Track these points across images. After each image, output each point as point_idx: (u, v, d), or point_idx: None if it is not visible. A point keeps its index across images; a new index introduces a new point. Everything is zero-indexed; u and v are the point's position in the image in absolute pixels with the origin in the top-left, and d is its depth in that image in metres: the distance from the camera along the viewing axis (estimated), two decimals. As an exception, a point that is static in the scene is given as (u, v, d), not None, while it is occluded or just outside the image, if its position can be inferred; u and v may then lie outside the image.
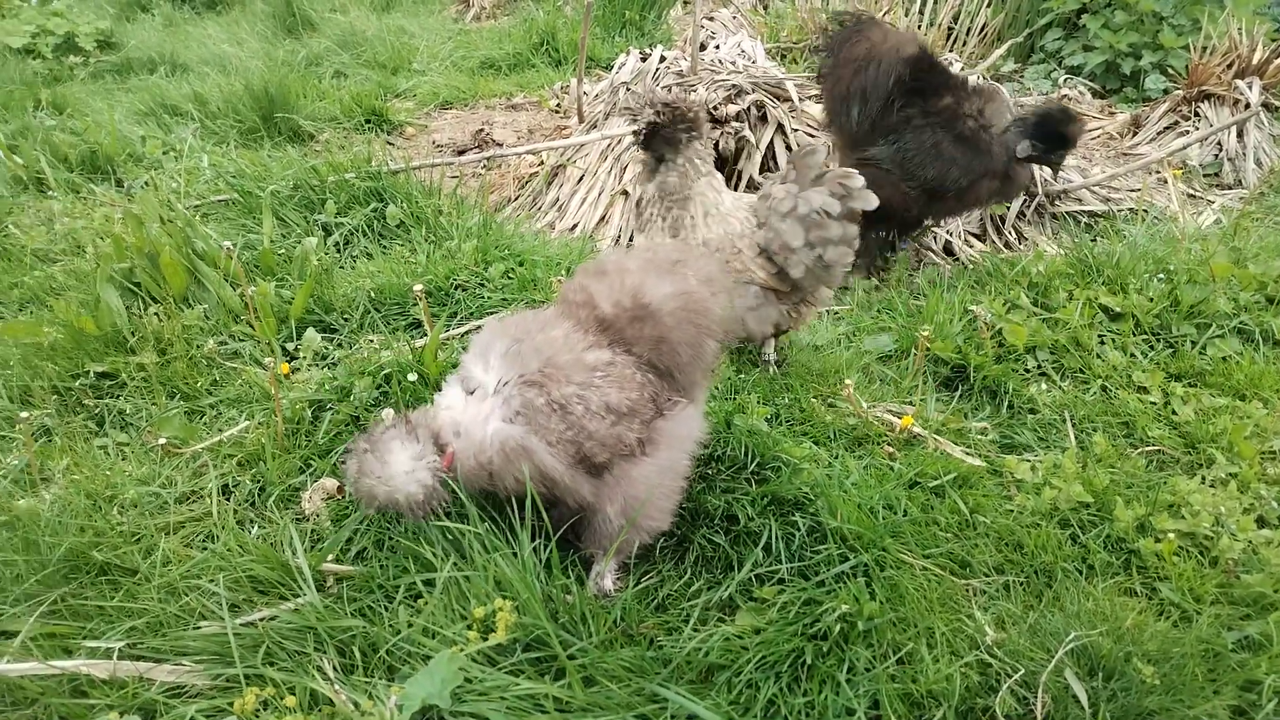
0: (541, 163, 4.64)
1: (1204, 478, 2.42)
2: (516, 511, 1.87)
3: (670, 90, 2.99)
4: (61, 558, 1.94)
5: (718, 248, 2.69)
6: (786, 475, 2.24)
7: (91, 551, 1.96)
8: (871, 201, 2.58)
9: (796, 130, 4.32)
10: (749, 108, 4.33)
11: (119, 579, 1.94)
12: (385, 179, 3.75)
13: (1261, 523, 2.28)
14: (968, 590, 2.07)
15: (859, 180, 2.58)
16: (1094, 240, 3.83)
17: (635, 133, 2.73)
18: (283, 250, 3.41)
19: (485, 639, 1.73)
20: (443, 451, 1.86)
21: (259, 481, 2.31)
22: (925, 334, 2.78)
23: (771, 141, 4.32)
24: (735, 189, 4.25)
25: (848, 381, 2.64)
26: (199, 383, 2.67)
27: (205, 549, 2.05)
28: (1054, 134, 3.47)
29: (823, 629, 1.82)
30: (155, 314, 2.90)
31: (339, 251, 3.55)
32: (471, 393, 1.91)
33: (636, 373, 1.97)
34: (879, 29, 3.55)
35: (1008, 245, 4.15)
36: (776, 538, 2.07)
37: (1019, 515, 2.27)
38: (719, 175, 2.81)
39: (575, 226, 4.15)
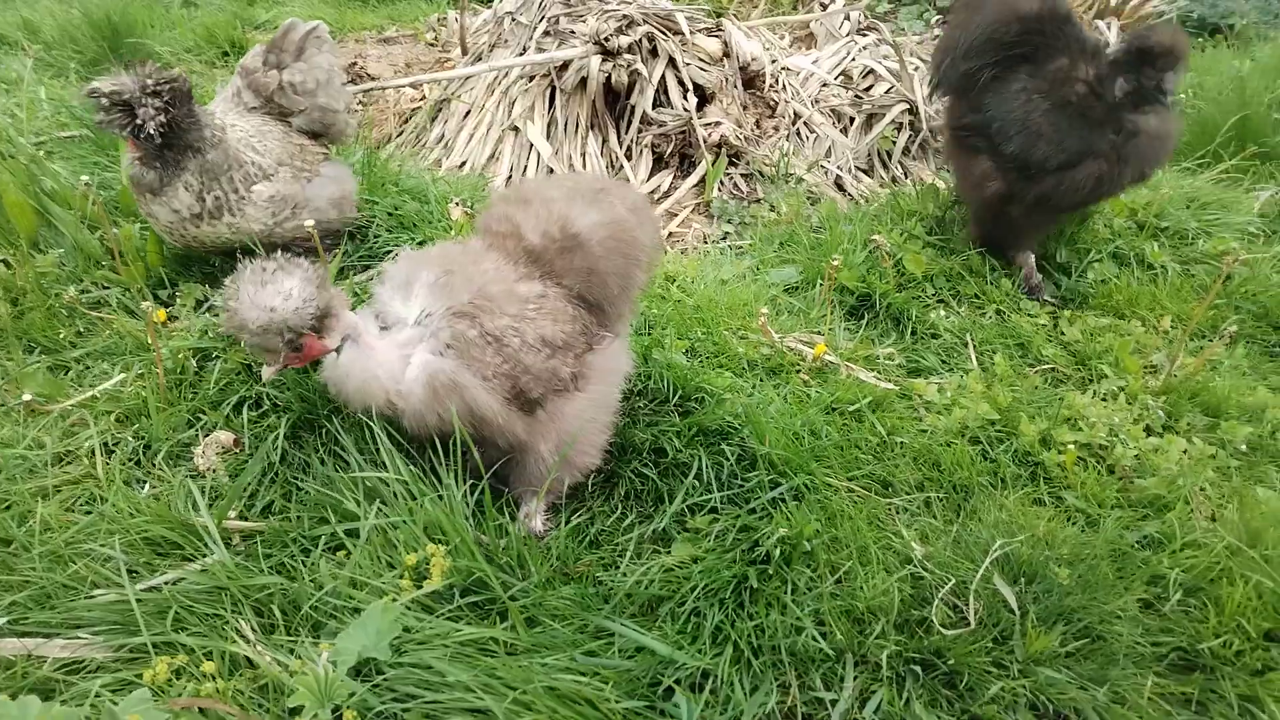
0: (424, 98, 4.39)
1: (1095, 392, 2.56)
2: (438, 452, 1.76)
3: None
4: (-84, 532, 1.71)
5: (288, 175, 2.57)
6: (711, 406, 2.22)
7: (-48, 522, 1.73)
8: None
9: (689, 64, 4.24)
10: (640, 40, 4.21)
11: (-11, 551, 1.72)
12: (257, 112, 3.43)
13: (1149, 431, 2.43)
14: (891, 509, 2.12)
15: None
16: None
17: (144, 138, 2.27)
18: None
19: (419, 587, 1.63)
20: (319, 330, 1.68)
21: (143, 438, 2.09)
22: (834, 264, 2.80)
23: (664, 75, 4.23)
24: (629, 125, 4.16)
25: (762, 312, 2.64)
26: (61, 334, 2.40)
27: (90, 512, 1.85)
28: (1151, 57, 2.78)
29: (763, 553, 1.82)
30: (2, 260, 2.57)
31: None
32: (386, 328, 1.77)
33: (569, 305, 1.89)
34: None
35: (894, 180, 4.24)
36: (706, 467, 2.05)
37: (932, 435, 2.34)
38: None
39: (464, 164, 3.95)
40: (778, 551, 1.81)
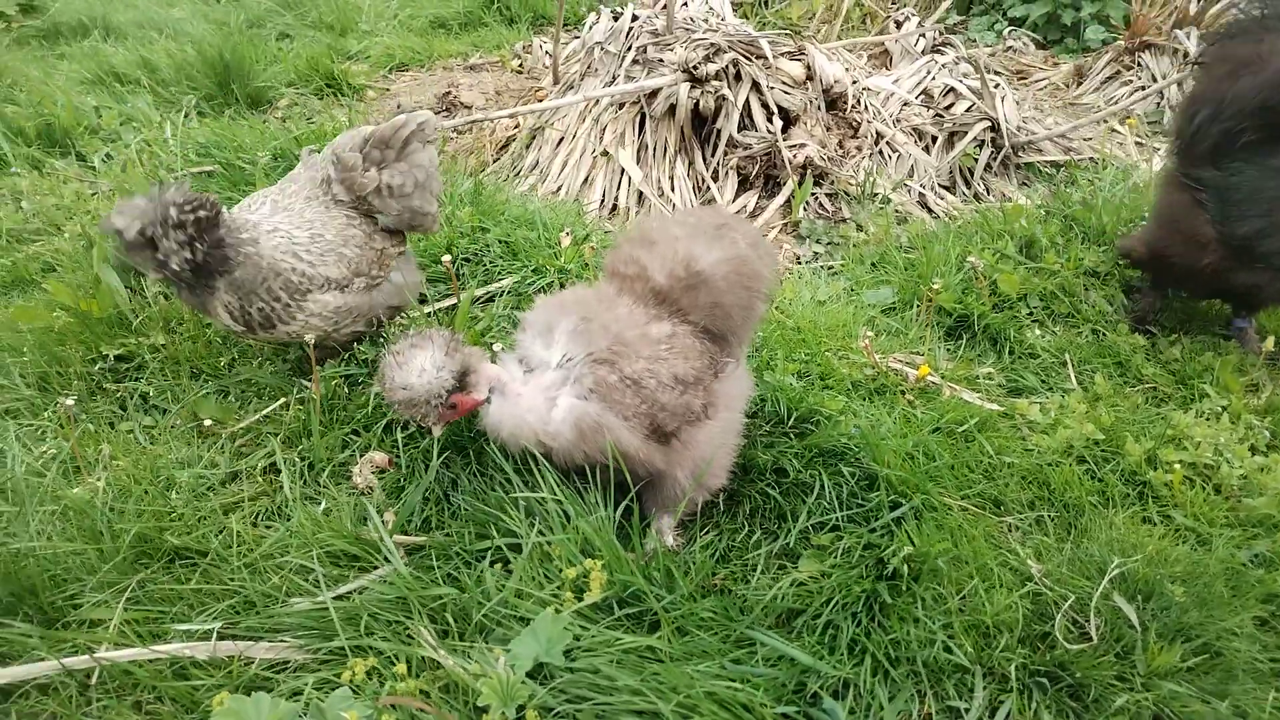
0: (518, 126, 4.59)
1: (1198, 411, 2.61)
2: (592, 479, 1.92)
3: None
4: (129, 544, 1.92)
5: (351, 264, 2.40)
6: (827, 427, 2.34)
7: (161, 536, 1.94)
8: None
9: (773, 88, 4.37)
10: (726, 66, 4.36)
11: (195, 561, 1.93)
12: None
13: (1254, 450, 2.48)
14: (1004, 527, 2.22)
15: (431, 119, 2.54)
16: (1058, 187, 4.00)
17: (172, 273, 2.15)
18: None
19: (579, 599, 1.79)
20: (462, 388, 1.87)
21: (306, 459, 2.30)
22: (934, 286, 2.90)
23: (748, 99, 4.37)
24: (715, 149, 4.30)
25: (866, 334, 2.75)
26: (219, 361, 2.62)
27: (270, 527, 2.05)
28: None
29: (889, 570, 1.94)
30: (159, 294, 2.82)
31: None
32: (530, 370, 1.93)
33: (697, 342, 2.03)
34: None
35: (977, 197, 4.31)
36: (827, 487, 2.18)
37: (1039, 454, 2.42)
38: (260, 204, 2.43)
39: (560, 189, 4.14)
40: (905, 568, 1.93)
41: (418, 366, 1.83)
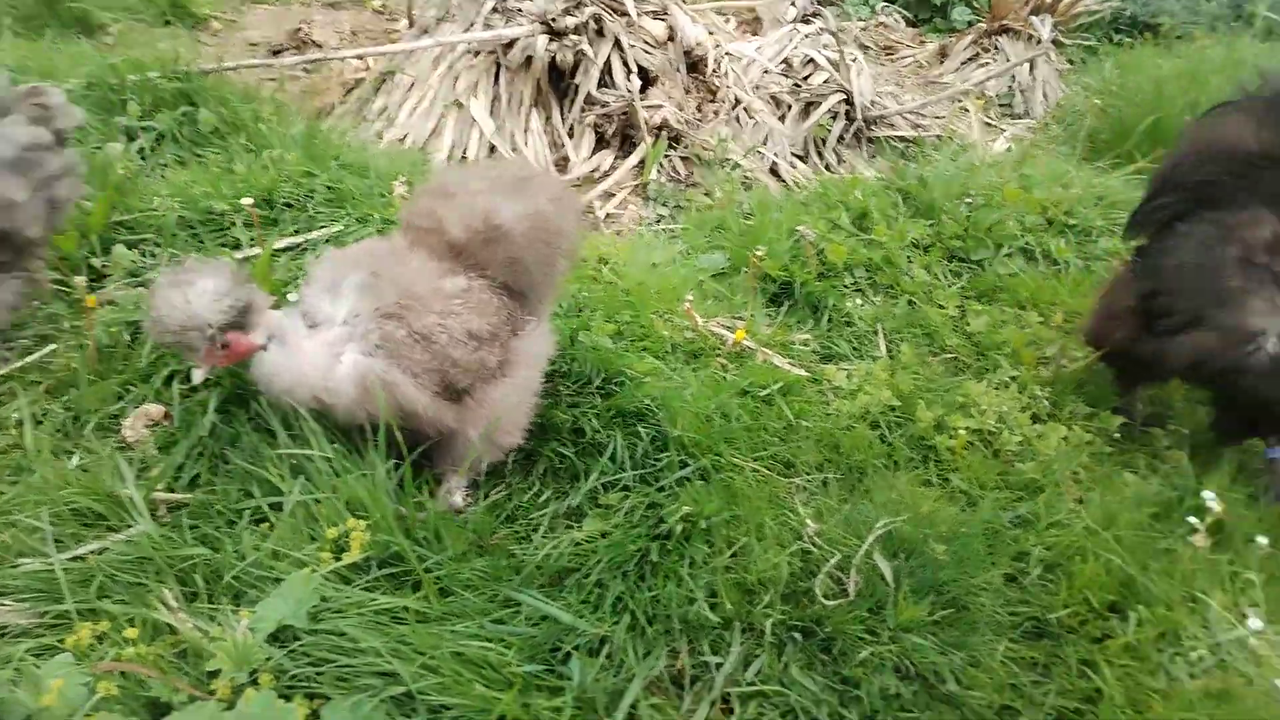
0: (369, 68, 4.39)
1: (990, 381, 2.74)
2: (373, 437, 1.86)
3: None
4: None
5: None
6: (630, 388, 2.35)
7: (-120, 491, 1.79)
8: (74, 116, 2.23)
9: (634, 46, 4.31)
10: (586, 20, 4.27)
11: (-83, 519, 1.79)
12: (196, 80, 3.44)
13: (1036, 419, 2.62)
14: (791, 488, 2.28)
15: (55, 94, 2.23)
16: (895, 162, 4.10)
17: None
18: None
19: (339, 559, 1.74)
20: (241, 327, 1.74)
21: (72, 410, 2.15)
22: (759, 253, 2.94)
23: (609, 57, 4.30)
24: (572, 105, 4.23)
25: (687, 297, 2.77)
26: (-10, 304, 2.42)
27: (16, 482, 1.91)
28: None
29: (666, 529, 1.96)
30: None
31: (144, 159, 3.26)
32: (314, 326, 1.85)
33: (494, 297, 1.98)
34: (1243, 116, 2.42)
35: (828, 167, 4.39)
36: (621, 447, 2.18)
37: (836, 419, 2.50)
38: None
39: (406, 138, 3.99)
40: (679, 528, 1.95)
41: (198, 289, 1.68)
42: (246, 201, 2.40)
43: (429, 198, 2.05)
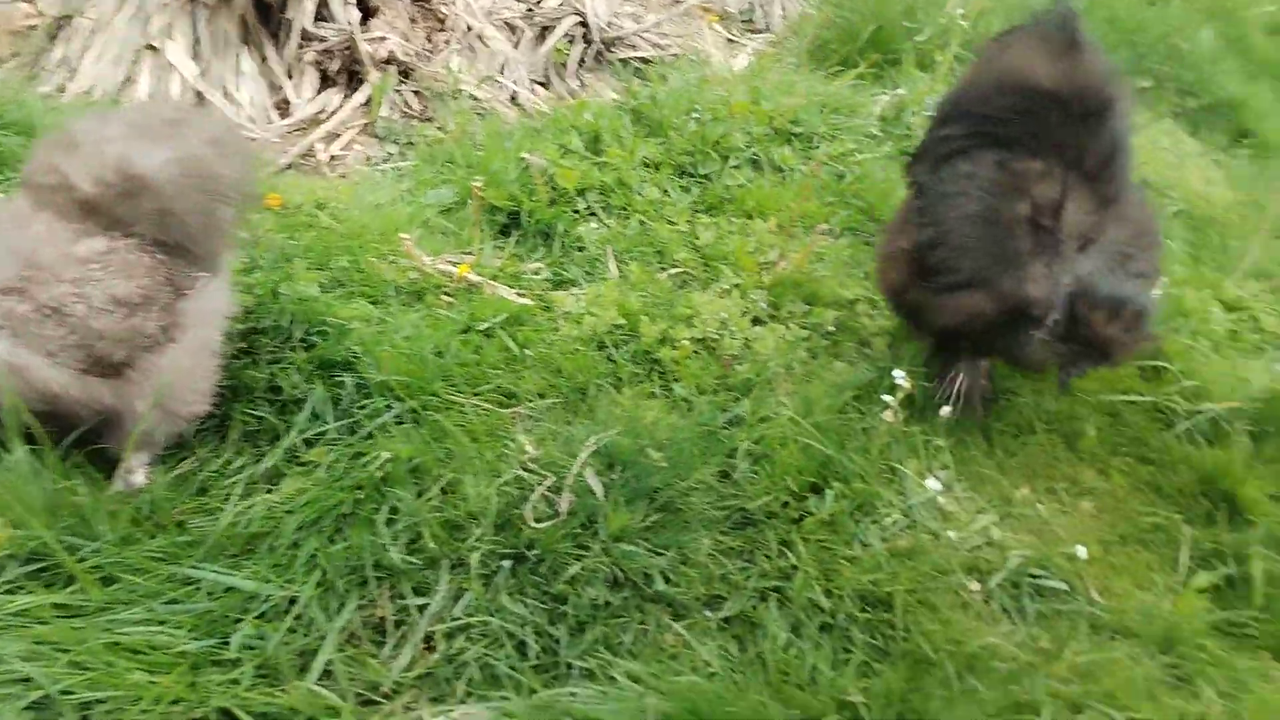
0: (40, 14, 3.86)
1: (714, 290, 2.82)
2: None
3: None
4: None
5: None
6: (334, 337, 2.23)
7: None
8: None
9: (352, -25, 4.03)
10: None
11: None
12: None
13: (756, 321, 2.73)
14: (514, 418, 2.26)
15: None
16: (628, 82, 4.10)
17: None
18: None
19: (-31, 562, 1.55)
20: None
21: None
22: (478, 184, 2.85)
23: (326, -14, 3.99)
24: (287, 41, 3.91)
25: (405, 236, 2.65)
26: None
27: None
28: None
29: (365, 478, 1.89)
30: None
31: None
32: None
33: (144, 255, 1.80)
34: (1029, 40, 2.24)
35: (571, 94, 4.32)
36: (322, 399, 2.08)
37: (562, 344, 2.49)
38: None
39: (92, 89, 3.56)
40: (379, 475, 1.89)
41: None
42: None
43: (49, 150, 1.82)
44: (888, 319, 2.81)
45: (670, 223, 3.16)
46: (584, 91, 4.37)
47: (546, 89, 4.31)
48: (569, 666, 1.69)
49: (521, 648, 1.70)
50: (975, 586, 1.97)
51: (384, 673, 1.62)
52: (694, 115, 3.63)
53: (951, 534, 2.05)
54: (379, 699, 1.60)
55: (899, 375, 2.34)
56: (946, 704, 1.65)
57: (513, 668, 1.67)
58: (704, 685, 1.56)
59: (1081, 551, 2.05)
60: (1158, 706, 1.77)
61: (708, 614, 1.84)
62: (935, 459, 2.31)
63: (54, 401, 1.70)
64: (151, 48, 3.69)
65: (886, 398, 2.33)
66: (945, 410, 2.30)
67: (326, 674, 1.59)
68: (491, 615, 1.73)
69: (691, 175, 3.44)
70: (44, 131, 2.91)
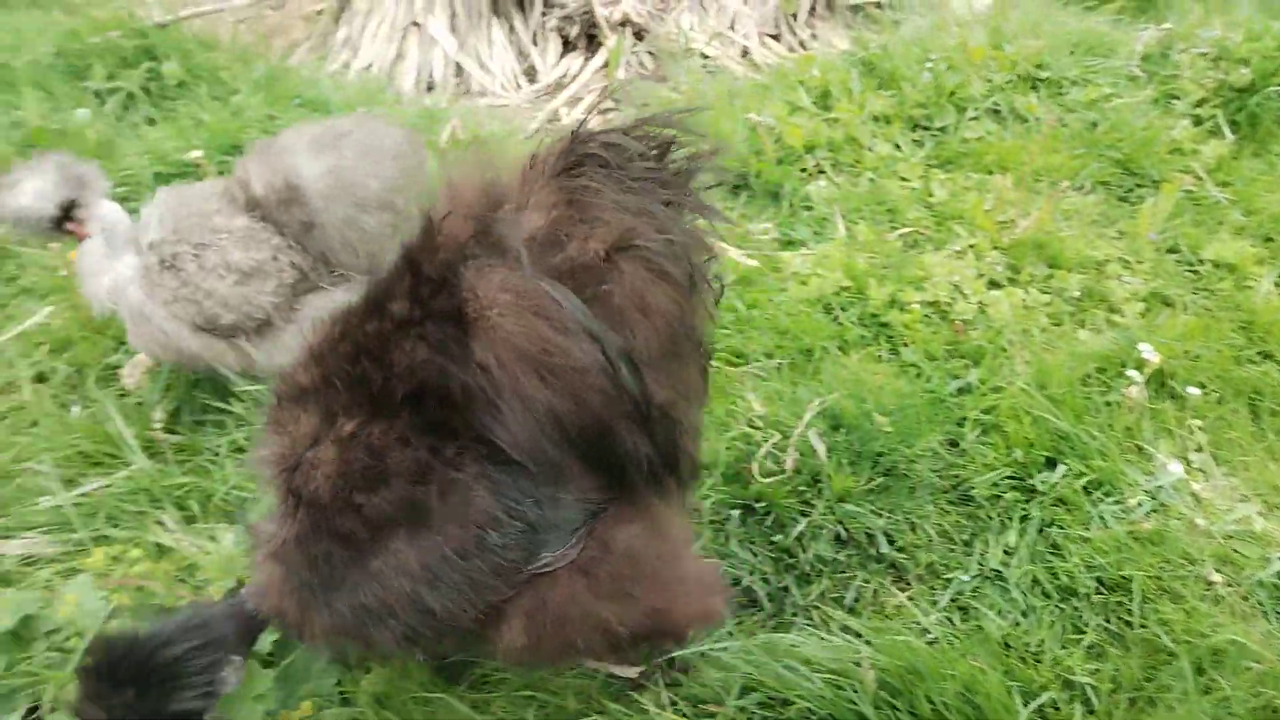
0: (327, -2, 4.38)
1: (947, 251, 2.77)
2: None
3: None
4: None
5: None
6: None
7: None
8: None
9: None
10: (539, -81, 4.16)
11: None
12: (155, 35, 3.51)
13: (993, 284, 2.66)
14: (742, 376, 2.38)
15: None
16: (858, 31, 3.99)
17: None
18: (55, 125, 3.21)
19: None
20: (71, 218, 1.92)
21: (75, 365, 2.35)
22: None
23: (567, -46, 4.21)
24: (531, 9, 4.18)
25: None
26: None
27: (27, 433, 2.14)
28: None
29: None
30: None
31: (118, 120, 3.37)
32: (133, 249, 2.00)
33: (273, 236, 1.97)
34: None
35: (803, 44, 4.29)
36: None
37: (789, 305, 2.57)
38: None
39: (371, 66, 4.01)
40: (623, 424, 2.09)
41: (25, 189, 1.87)
42: (194, 154, 2.51)
43: (253, 149, 2.06)
44: (1146, 280, 2.65)
45: (902, 180, 3.11)
46: (815, 43, 4.33)
47: (778, 41, 4.31)
48: (793, 615, 1.82)
49: (748, 593, 1.85)
50: (1225, 579, 1.86)
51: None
52: (928, 64, 3.51)
53: (1203, 521, 1.95)
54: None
55: (1146, 349, 2.23)
56: (1184, 698, 1.61)
57: (740, 609, 1.83)
58: (921, 646, 1.63)
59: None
60: None
61: (929, 581, 1.89)
62: (1190, 439, 2.19)
63: (176, 352, 2.00)
64: (415, 24, 4.09)
65: (1132, 373, 2.22)
66: None
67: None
68: (721, 560, 1.88)
69: (925, 128, 3.36)
70: (334, 108, 3.36)
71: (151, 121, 3.32)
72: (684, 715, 1.58)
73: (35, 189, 1.87)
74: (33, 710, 1.57)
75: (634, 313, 1.21)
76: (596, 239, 1.19)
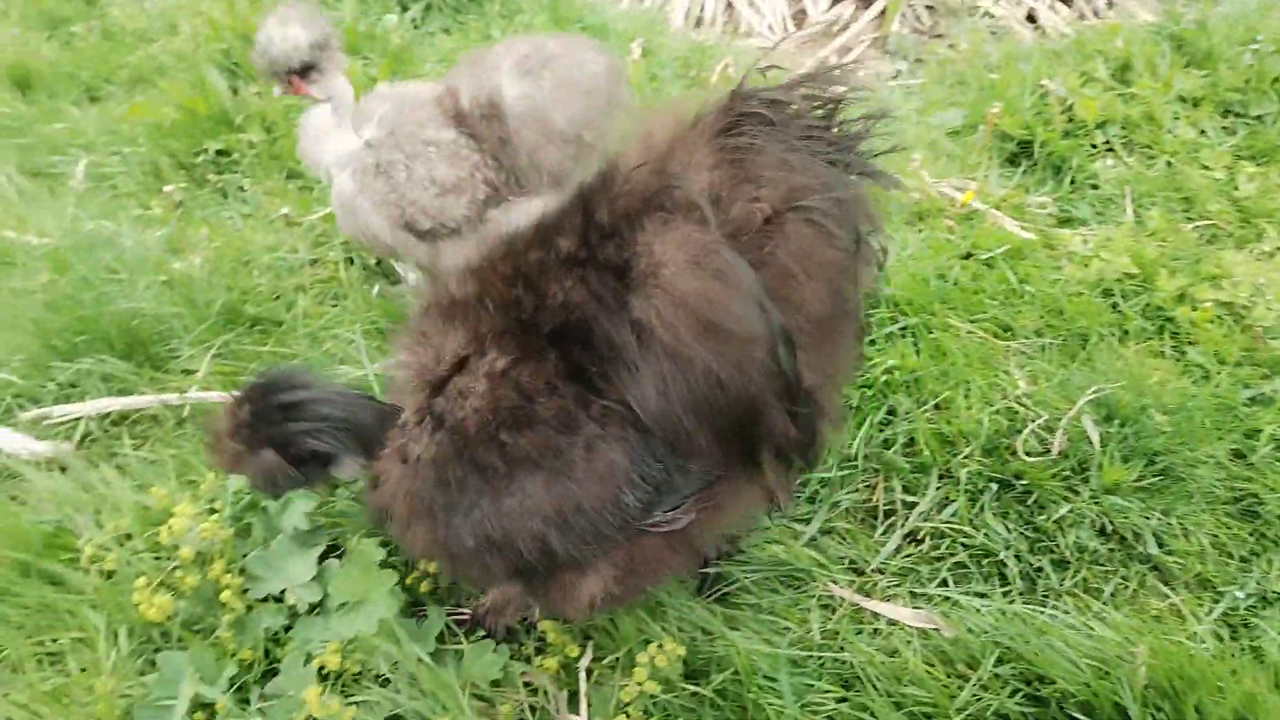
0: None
1: (1252, 251, 2.52)
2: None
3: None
4: (218, 311, 2.29)
5: None
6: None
7: (243, 306, 2.30)
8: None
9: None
10: None
11: (268, 329, 2.29)
12: (457, -49, 3.73)
13: (1301, 294, 2.40)
14: (1008, 351, 2.29)
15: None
16: (1189, 5, 3.63)
17: None
18: (364, 28, 3.49)
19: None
20: (305, 75, 2.02)
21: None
22: (994, 110, 2.81)
23: (853, -102, 4.07)
24: (812, -47, 4.08)
25: (914, 157, 2.74)
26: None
27: (335, 305, 2.38)
28: None
29: (871, 379, 2.09)
30: (256, 93, 3.09)
31: (416, 28, 3.62)
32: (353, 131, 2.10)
33: (474, 154, 2.03)
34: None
35: (1096, 13, 3.97)
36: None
37: (1065, 285, 2.43)
38: None
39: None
40: (882, 379, 2.07)
41: (278, 34, 1.98)
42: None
43: (463, 64, 2.12)
44: None
45: (1204, 168, 2.84)
46: (1109, 11, 3.99)
47: (1068, 7, 4.01)
48: (1044, 596, 1.76)
49: (999, 566, 1.81)
50: None
51: (872, 551, 1.84)
52: (1253, 45, 3.16)
53: None
54: (867, 573, 1.82)
55: None
56: None
57: (986, 580, 1.79)
58: (1200, 654, 1.53)
59: None
60: None
61: (1196, 590, 1.77)
62: None
63: (374, 241, 2.10)
64: (694, -42, 4.10)
65: None
66: None
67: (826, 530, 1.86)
68: (976, 529, 1.85)
69: (1239, 115, 3.04)
70: (613, 36, 3.45)
71: (447, 31, 3.55)
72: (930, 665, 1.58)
73: (291, 37, 1.95)
74: (334, 548, 1.78)
75: (798, 275, 1.16)
76: (762, 198, 1.15)
